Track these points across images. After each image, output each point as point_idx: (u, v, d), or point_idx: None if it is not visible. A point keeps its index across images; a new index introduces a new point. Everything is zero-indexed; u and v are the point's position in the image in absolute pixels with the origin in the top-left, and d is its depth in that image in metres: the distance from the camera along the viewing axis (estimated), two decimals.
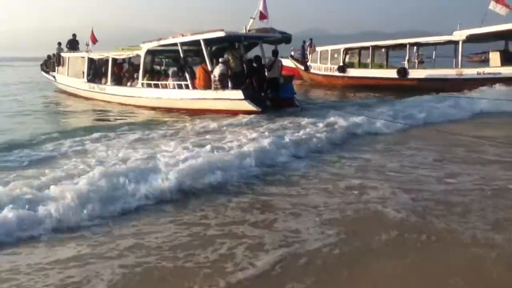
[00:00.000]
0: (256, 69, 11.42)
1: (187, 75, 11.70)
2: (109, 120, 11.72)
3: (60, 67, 18.67)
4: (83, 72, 16.17)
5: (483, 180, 5.52)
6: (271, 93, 11.52)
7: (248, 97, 10.41)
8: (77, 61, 17.13)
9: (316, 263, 3.49)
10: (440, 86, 15.69)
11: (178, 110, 11.93)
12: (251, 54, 13.06)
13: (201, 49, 11.39)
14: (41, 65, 21.83)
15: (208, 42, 11.42)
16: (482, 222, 4.19)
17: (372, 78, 18.83)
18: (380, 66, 20.66)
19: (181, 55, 12.04)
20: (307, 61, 23.43)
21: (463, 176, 5.70)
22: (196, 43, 11.55)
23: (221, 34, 10.76)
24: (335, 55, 21.36)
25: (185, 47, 12.29)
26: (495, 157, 6.71)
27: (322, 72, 21.84)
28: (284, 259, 3.53)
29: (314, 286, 3.19)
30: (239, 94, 10.47)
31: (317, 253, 3.64)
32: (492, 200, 4.77)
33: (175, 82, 12.08)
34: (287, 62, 21.42)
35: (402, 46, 19.58)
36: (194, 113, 11.39)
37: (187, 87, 11.68)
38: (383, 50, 21.43)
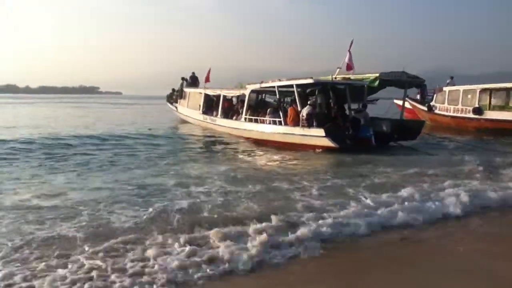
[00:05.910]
0: (340, 111, 13.19)
1: (280, 113, 13.85)
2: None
3: (182, 100, 22.38)
4: (200, 105, 19.45)
5: None
6: (352, 132, 13.09)
7: (328, 134, 12.15)
8: (195, 95, 20.57)
9: None
10: None
11: (271, 143, 14.00)
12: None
13: (294, 92, 13.50)
14: (167, 96, 25.99)
15: (299, 86, 13.52)
16: None
17: None
18: None
19: (277, 96, 14.30)
20: (428, 101, 22.60)
21: None
22: (290, 87, 13.73)
23: (310, 80, 12.83)
24: (468, 96, 20.22)
25: (281, 89, 14.54)
26: None
27: (451, 114, 20.98)
28: None
29: None
30: (321, 132, 12.24)
31: None
32: None
33: (271, 119, 14.31)
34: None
35: None
36: (283, 146, 13.42)
37: (280, 123, 13.81)
38: None
